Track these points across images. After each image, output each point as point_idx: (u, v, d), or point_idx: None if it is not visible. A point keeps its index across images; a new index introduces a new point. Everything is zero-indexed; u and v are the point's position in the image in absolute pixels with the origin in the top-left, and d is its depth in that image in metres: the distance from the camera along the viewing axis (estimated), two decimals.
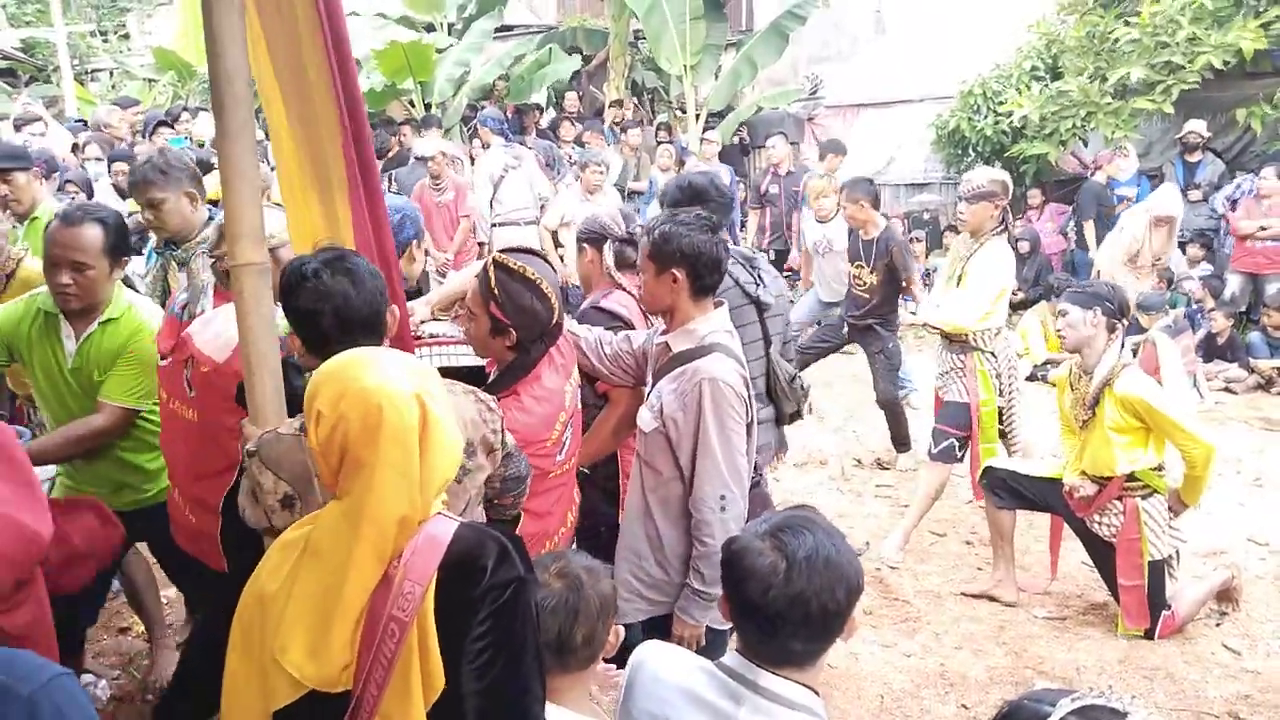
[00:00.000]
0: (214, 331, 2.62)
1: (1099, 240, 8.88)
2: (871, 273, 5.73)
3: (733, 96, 12.26)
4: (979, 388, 4.65)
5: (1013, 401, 4.80)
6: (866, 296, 5.82)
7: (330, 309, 1.98)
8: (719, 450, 2.52)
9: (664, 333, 2.71)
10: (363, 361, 1.58)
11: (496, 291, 2.44)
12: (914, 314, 5.95)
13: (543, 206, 8.00)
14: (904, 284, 5.78)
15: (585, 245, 3.26)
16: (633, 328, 3.04)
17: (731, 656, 1.69)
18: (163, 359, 2.85)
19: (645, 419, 2.63)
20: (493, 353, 2.56)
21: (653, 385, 2.67)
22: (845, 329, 6.10)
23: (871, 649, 3.92)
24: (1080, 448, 4.02)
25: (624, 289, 3.19)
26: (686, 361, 2.57)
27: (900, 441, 6.02)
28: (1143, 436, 3.85)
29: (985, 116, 10.56)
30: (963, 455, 4.78)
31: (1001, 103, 10.29)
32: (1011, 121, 10.05)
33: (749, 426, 2.63)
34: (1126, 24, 9.33)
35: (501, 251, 2.53)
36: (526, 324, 2.45)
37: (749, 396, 2.61)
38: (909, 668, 3.80)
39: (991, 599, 4.29)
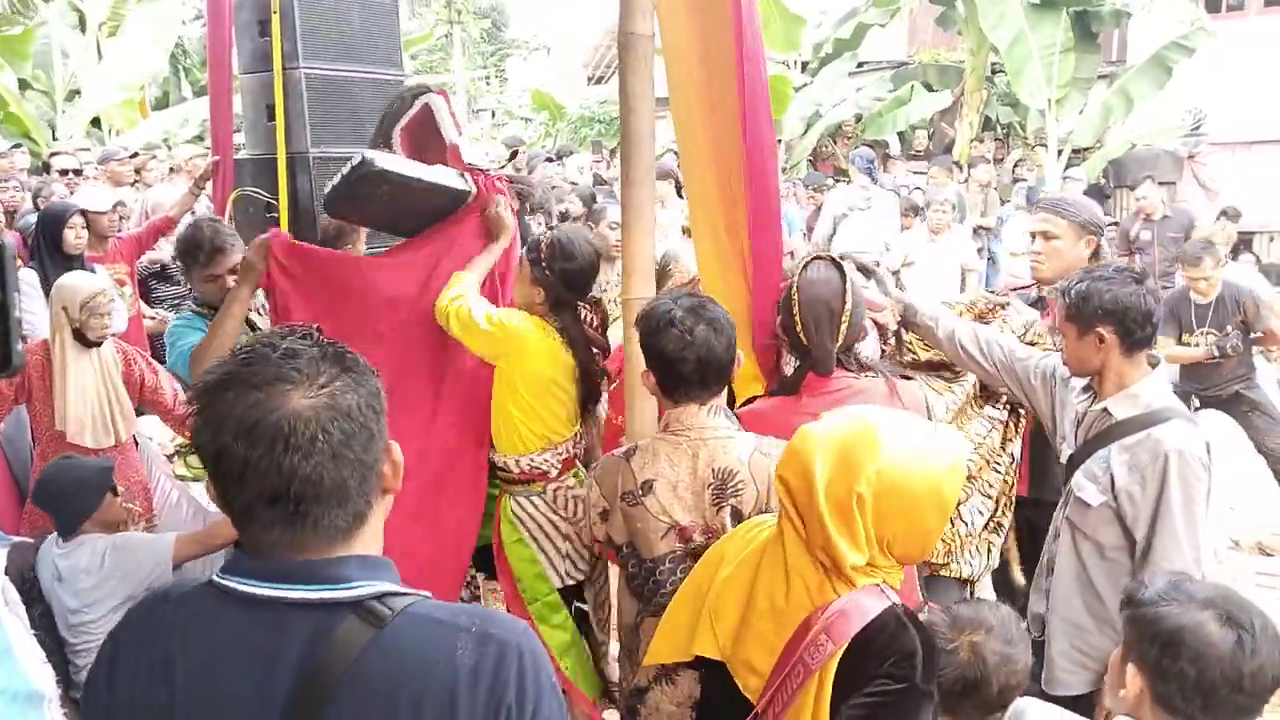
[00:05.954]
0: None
1: None
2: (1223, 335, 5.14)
3: (1101, 132, 11.43)
4: None
5: None
6: (1220, 363, 5.20)
7: (695, 357, 2.07)
8: (1182, 528, 2.33)
9: (1087, 389, 2.56)
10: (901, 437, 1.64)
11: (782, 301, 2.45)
12: None
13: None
14: (1260, 336, 5.18)
15: None
16: None
17: None
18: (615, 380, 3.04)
19: (1089, 491, 2.47)
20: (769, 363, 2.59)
21: (1083, 449, 2.53)
22: (1195, 404, 5.44)
23: None
24: None
25: None
26: (1137, 429, 2.41)
27: None
28: None
29: None
30: None
31: None
32: None
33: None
34: None
35: (807, 260, 2.45)
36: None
37: (1211, 463, 2.41)
38: None
39: None
